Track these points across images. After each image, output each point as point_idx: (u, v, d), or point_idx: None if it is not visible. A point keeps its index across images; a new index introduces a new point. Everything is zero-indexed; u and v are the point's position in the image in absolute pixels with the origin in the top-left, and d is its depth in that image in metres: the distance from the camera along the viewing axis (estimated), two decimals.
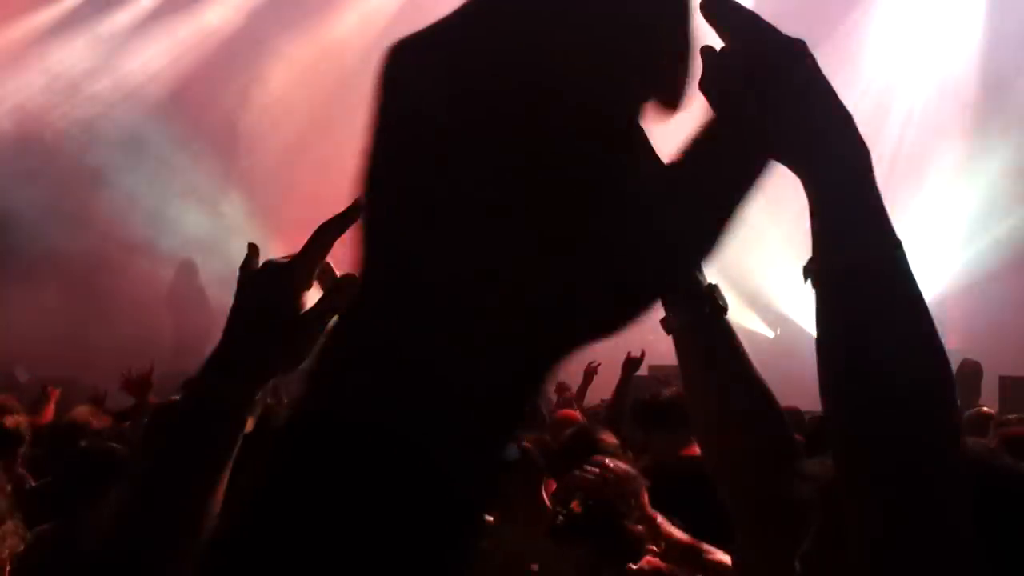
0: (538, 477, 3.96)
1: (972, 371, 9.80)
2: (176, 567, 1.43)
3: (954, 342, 13.78)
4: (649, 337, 12.81)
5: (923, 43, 15.07)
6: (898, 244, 1.37)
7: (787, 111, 1.32)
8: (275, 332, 1.50)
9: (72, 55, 16.44)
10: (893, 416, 1.29)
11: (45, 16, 16.38)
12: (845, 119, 1.41)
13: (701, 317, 1.99)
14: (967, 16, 14.86)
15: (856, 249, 1.35)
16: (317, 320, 1.50)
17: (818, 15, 14.59)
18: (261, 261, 1.57)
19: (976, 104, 14.74)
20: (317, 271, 1.52)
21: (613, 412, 7.30)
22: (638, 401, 6.84)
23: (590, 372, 9.04)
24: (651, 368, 12.34)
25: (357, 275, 1.50)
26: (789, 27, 1.32)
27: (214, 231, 15.40)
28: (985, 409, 7.42)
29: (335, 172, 16.29)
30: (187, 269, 15.61)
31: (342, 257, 1.54)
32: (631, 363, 7.88)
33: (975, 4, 14.93)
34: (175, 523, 1.45)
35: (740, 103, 1.24)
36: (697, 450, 3.97)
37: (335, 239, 1.49)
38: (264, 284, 1.53)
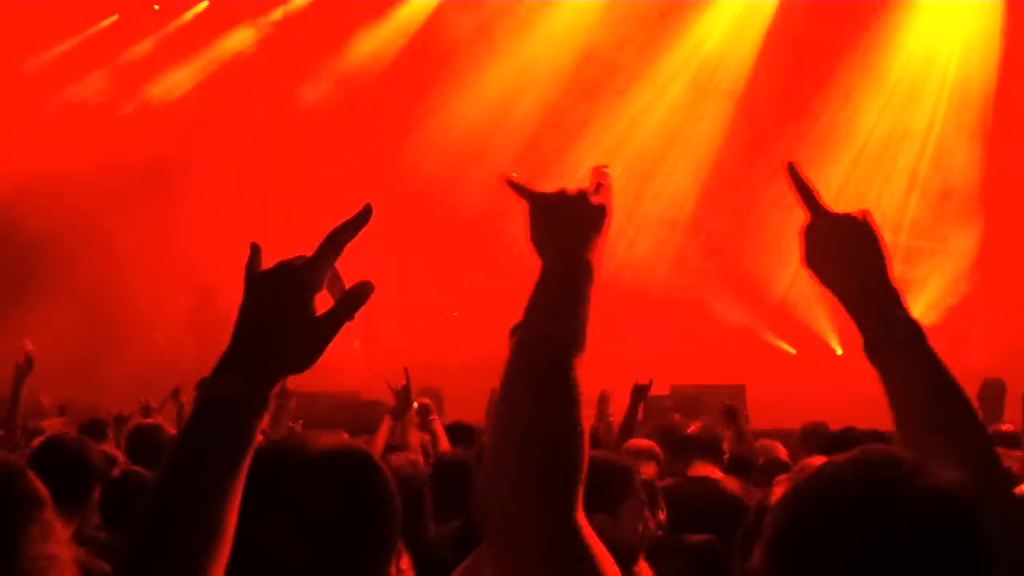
0: None
1: (995, 389, 9.74)
2: (200, 569, 1.45)
3: (978, 361, 13.72)
4: (670, 355, 12.83)
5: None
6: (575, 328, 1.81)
7: None
8: (290, 332, 1.53)
9: (95, 83, 16.62)
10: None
11: (67, 45, 16.56)
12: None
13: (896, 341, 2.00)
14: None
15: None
16: (332, 324, 1.55)
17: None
18: (264, 262, 1.61)
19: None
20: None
21: (620, 438, 7.21)
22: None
23: (604, 400, 8.84)
24: (673, 388, 12.35)
25: (371, 282, 1.59)
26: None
27: (234, 256, 15.45)
28: (1005, 426, 7.36)
29: (353, 198, 16.40)
30: (207, 294, 15.67)
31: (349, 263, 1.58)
32: (639, 390, 7.80)
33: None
34: (194, 523, 1.46)
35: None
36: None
37: (348, 242, 1.58)
38: (279, 285, 1.55)
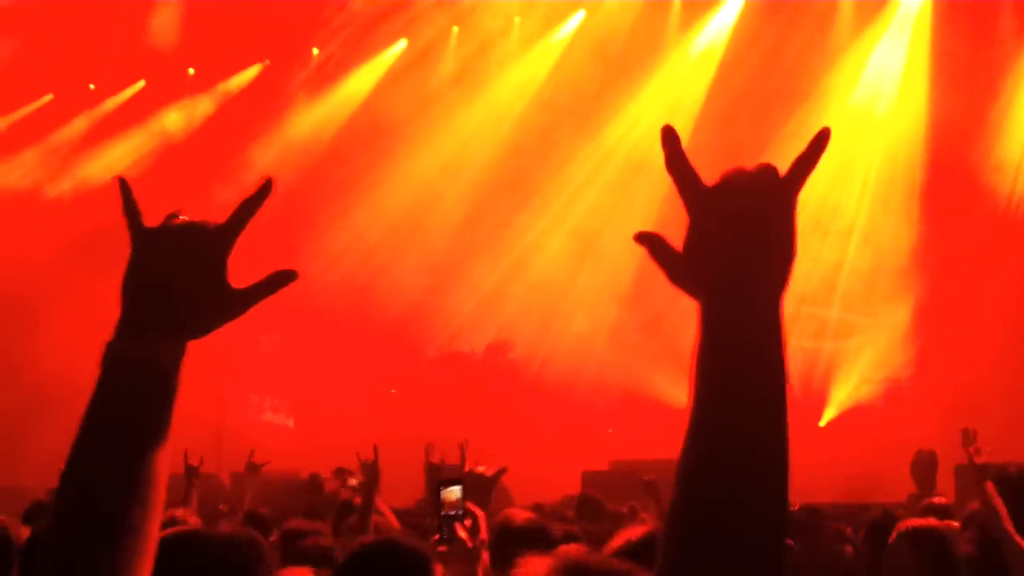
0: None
1: (927, 461, 9.84)
2: (126, 530, 1.39)
3: (910, 432, 13.88)
4: (608, 430, 12.88)
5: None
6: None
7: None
8: (201, 293, 1.47)
9: (26, 163, 16.50)
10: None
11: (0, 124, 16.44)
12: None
13: None
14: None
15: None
16: (248, 298, 1.50)
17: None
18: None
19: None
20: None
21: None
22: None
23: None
24: (612, 463, 12.35)
25: (293, 271, 1.49)
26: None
27: None
28: (937, 499, 7.44)
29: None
30: None
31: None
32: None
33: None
34: (113, 496, 1.40)
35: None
36: None
37: (252, 215, 1.51)
38: (188, 243, 1.48)
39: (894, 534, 4.45)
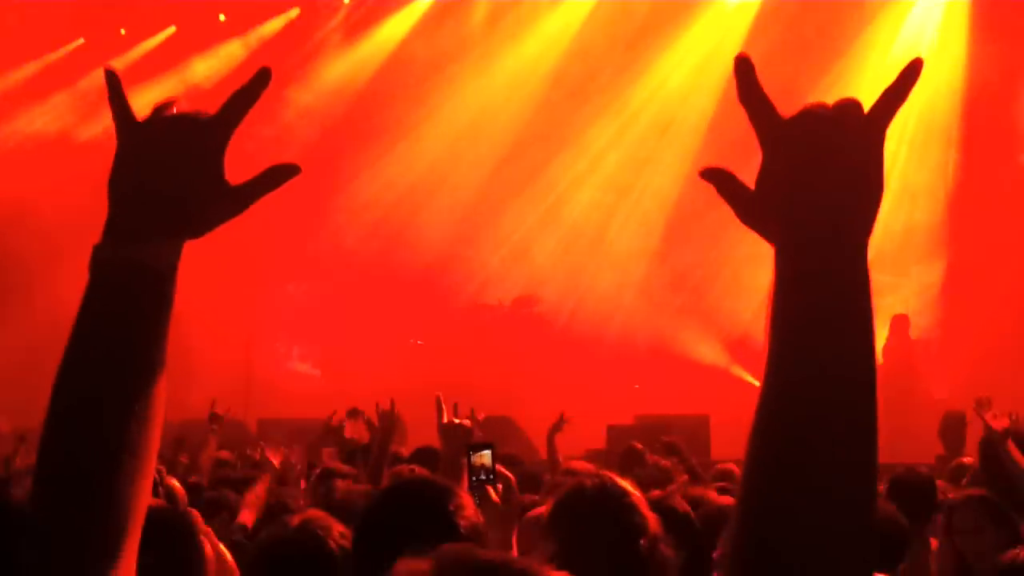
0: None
1: (956, 422, 9.79)
2: (123, 448, 1.31)
3: (941, 391, 13.81)
4: (635, 386, 12.82)
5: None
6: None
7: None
8: (196, 189, 1.35)
9: (56, 107, 16.54)
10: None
11: (31, 68, 16.47)
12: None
13: None
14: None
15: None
16: (247, 195, 1.38)
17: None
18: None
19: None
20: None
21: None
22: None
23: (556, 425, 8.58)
24: (637, 418, 12.35)
25: (291, 165, 1.36)
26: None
27: (194, 282, 15.37)
28: (966, 459, 7.41)
29: (315, 228, 16.44)
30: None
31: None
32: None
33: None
34: (103, 411, 1.31)
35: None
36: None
37: (250, 105, 1.39)
38: (181, 136, 1.36)
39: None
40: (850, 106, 1.27)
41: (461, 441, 4.16)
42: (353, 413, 8.10)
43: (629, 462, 7.14)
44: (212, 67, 16.87)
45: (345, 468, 5.99)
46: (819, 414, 1.19)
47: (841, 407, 1.20)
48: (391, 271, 15.89)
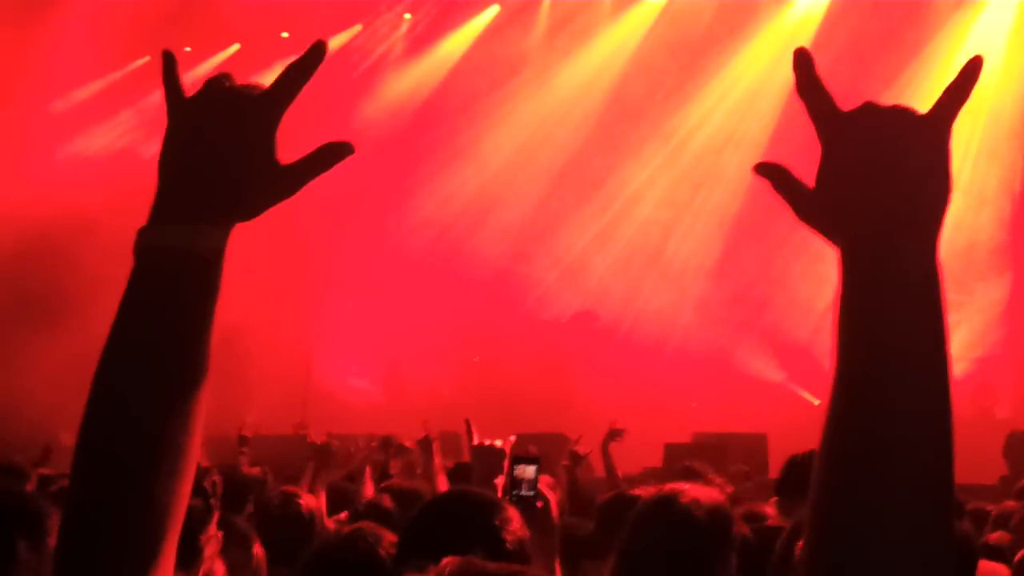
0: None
1: (1020, 442, 9.64)
2: (163, 445, 1.26)
3: (1005, 411, 13.60)
4: (692, 404, 12.74)
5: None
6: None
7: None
8: (245, 164, 1.29)
9: (122, 124, 16.84)
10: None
11: (97, 86, 16.76)
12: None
13: None
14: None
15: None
16: (298, 176, 1.31)
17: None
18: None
19: None
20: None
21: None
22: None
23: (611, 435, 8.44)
24: (695, 435, 12.28)
25: (344, 144, 1.30)
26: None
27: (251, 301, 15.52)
28: None
29: (375, 246, 16.54)
30: (227, 338, 15.75)
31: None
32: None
33: None
34: (143, 405, 1.26)
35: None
36: None
37: (305, 80, 1.35)
38: (226, 108, 1.30)
39: None
40: (910, 107, 1.22)
41: (493, 463, 4.07)
42: (386, 442, 8.08)
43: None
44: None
45: None
46: (894, 425, 1.13)
47: (918, 417, 1.14)
48: (450, 287, 15.96)
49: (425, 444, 6.45)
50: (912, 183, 1.18)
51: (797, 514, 3.96)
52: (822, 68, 1.26)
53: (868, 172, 1.19)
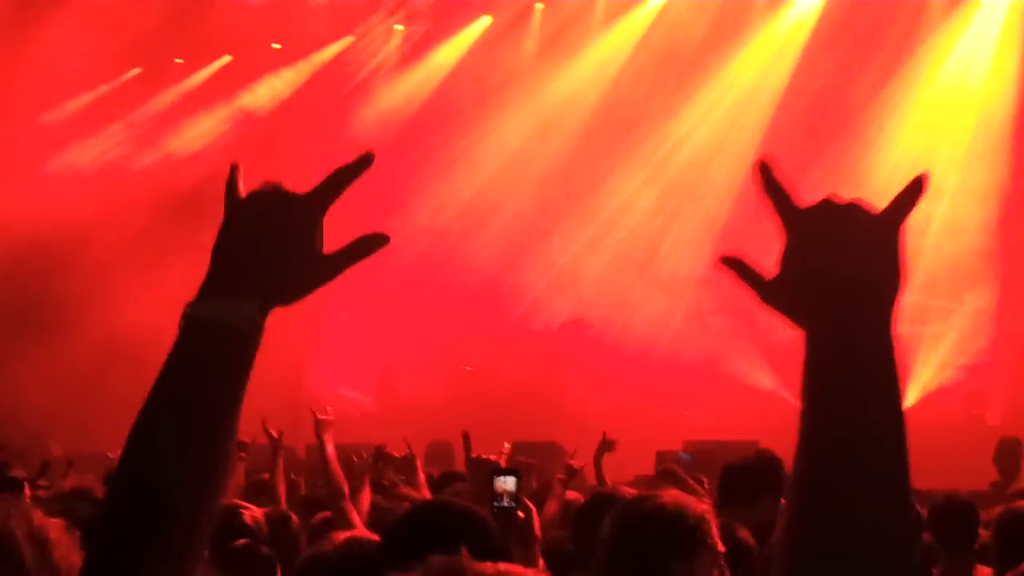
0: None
1: (1010, 448, 9.67)
2: (200, 487, 1.38)
3: (996, 417, 13.64)
4: (685, 412, 12.76)
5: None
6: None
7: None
8: (289, 259, 1.44)
9: (113, 136, 16.82)
10: None
11: (89, 97, 16.74)
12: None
13: None
14: None
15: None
16: (337, 264, 1.47)
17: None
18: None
19: None
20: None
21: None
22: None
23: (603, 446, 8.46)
24: (685, 443, 12.29)
25: (380, 235, 1.46)
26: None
27: None
28: (1022, 485, 7.32)
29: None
30: None
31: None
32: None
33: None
34: (173, 463, 1.36)
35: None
36: None
37: (348, 183, 1.48)
38: (279, 208, 1.45)
39: None
40: (865, 204, 1.35)
41: (489, 475, 4.09)
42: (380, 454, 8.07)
43: (667, 483, 7.08)
44: (269, 93, 17.10)
45: None
46: (853, 487, 1.25)
47: (874, 480, 1.25)
48: (441, 296, 15.97)
49: (407, 462, 6.46)
50: (867, 273, 1.32)
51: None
52: (809, 77, 1.32)
53: (826, 264, 1.33)
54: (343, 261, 1.47)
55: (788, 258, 1.36)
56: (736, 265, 1.41)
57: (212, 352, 1.40)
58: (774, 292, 1.37)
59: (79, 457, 10.79)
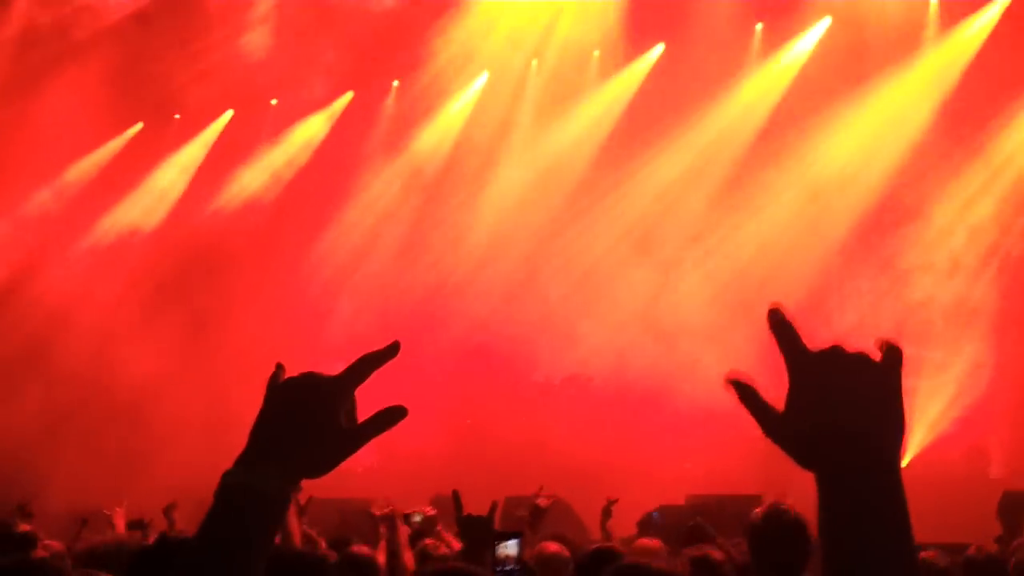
0: None
1: (1014, 502, 9.60)
2: None
3: (998, 470, 13.57)
4: (686, 465, 12.70)
5: None
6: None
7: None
8: (315, 436, 1.59)
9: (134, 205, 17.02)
10: None
11: (100, 155, 16.88)
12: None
13: None
14: None
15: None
16: (359, 437, 1.62)
17: None
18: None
19: None
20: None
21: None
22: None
23: (607, 510, 8.50)
24: (688, 498, 12.22)
25: (399, 408, 1.60)
26: None
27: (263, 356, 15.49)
28: None
29: (372, 304, 16.57)
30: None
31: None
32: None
33: None
34: None
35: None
36: None
37: (374, 370, 1.64)
38: (307, 391, 1.61)
39: None
40: (868, 355, 1.41)
41: (480, 534, 4.08)
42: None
43: (696, 540, 6.98)
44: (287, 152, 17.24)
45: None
46: None
47: None
48: (440, 351, 15.94)
49: (389, 519, 6.40)
50: (873, 422, 1.39)
51: None
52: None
53: (833, 416, 1.39)
54: (365, 435, 1.64)
55: (794, 401, 1.43)
56: (744, 391, 1.47)
57: (246, 512, 1.56)
58: (778, 431, 1.44)
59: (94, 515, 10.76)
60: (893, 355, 1.41)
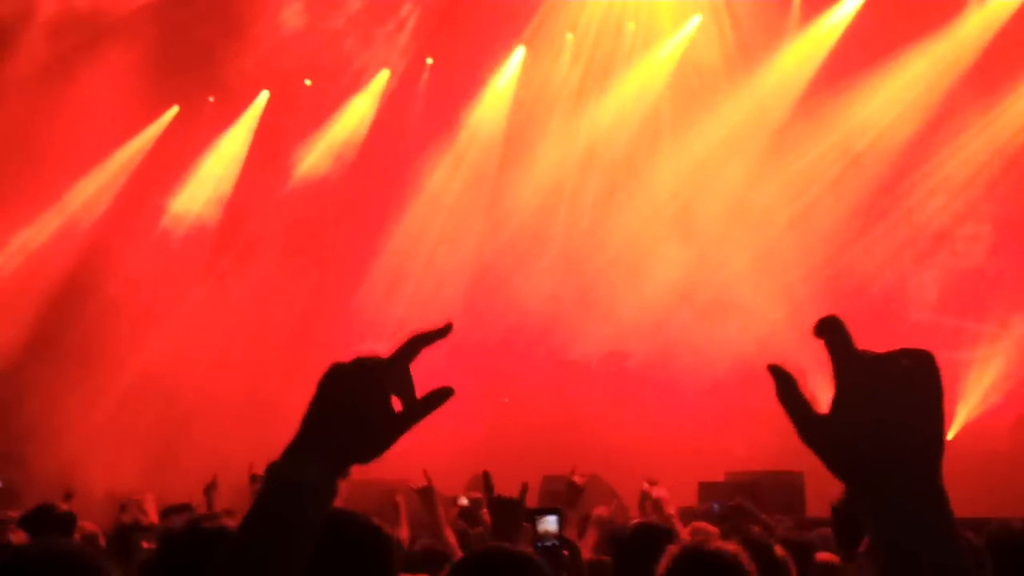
0: None
1: None
2: None
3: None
4: (725, 441, 12.61)
5: None
6: None
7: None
8: (364, 423, 1.59)
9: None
10: None
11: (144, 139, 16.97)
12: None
13: None
14: None
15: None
16: (406, 421, 1.61)
17: None
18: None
19: None
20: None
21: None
22: None
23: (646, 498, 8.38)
24: (728, 475, 12.16)
25: (446, 389, 1.58)
26: None
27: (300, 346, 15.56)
28: None
29: (406, 282, 16.59)
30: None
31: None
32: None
33: None
34: None
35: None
36: None
37: (423, 348, 1.65)
38: (356, 378, 1.61)
39: None
40: (921, 356, 1.36)
41: (510, 514, 4.09)
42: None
43: (739, 519, 6.91)
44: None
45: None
46: None
47: None
48: (476, 329, 15.93)
49: (426, 494, 6.32)
50: (920, 430, 1.34)
51: None
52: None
53: (877, 431, 1.35)
54: (413, 418, 1.62)
55: (839, 407, 1.38)
56: (785, 384, 1.43)
57: (292, 501, 1.56)
58: (818, 434, 1.40)
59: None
60: (930, 363, 1.36)
